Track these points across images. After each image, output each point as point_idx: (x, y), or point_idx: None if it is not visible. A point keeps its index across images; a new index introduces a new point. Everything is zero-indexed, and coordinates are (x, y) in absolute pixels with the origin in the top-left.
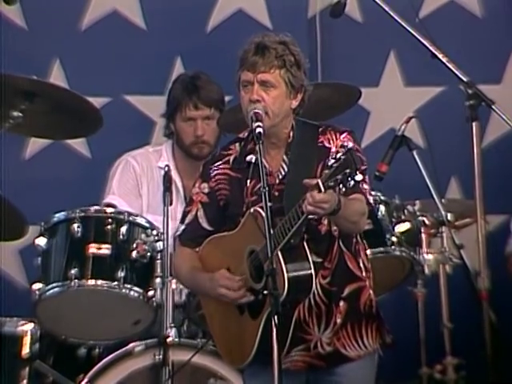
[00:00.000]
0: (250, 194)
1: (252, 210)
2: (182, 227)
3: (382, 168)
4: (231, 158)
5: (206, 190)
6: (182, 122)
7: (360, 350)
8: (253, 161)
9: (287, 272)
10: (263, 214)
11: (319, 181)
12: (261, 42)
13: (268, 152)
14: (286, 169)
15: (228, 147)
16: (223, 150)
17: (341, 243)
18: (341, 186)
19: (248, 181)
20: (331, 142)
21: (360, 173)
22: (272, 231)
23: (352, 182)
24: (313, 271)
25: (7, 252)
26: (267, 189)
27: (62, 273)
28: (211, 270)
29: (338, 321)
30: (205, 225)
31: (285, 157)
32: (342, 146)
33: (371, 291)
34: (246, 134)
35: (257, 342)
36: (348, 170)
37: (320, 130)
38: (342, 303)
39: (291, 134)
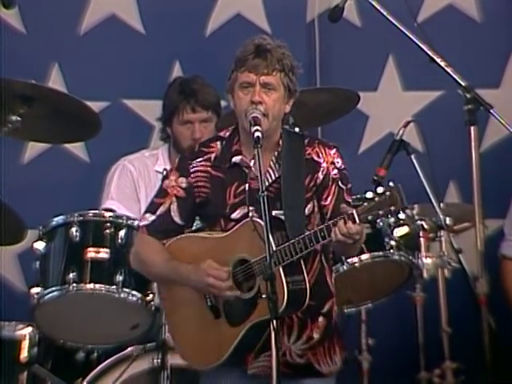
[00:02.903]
0: (233, 196)
1: (252, 218)
2: (152, 218)
3: (381, 172)
4: (212, 156)
5: (184, 185)
6: (180, 125)
7: (332, 367)
8: (238, 162)
9: (287, 285)
10: (263, 225)
11: (354, 212)
12: (261, 44)
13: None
14: (272, 175)
15: (208, 144)
16: (203, 146)
17: (322, 258)
18: (378, 220)
19: (231, 182)
20: (320, 156)
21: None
22: (272, 240)
23: (392, 220)
24: (308, 286)
25: (6, 256)
26: (265, 193)
27: (61, 277)
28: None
29: (316, 336)
30: (176, 219)
31: (271, 162)
32: (333, 163)
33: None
34: (228, 134)
35: (232, 347)
36: (393, 208)
37: (306, 141)
38: (321, 319)
39: (280, 142)
